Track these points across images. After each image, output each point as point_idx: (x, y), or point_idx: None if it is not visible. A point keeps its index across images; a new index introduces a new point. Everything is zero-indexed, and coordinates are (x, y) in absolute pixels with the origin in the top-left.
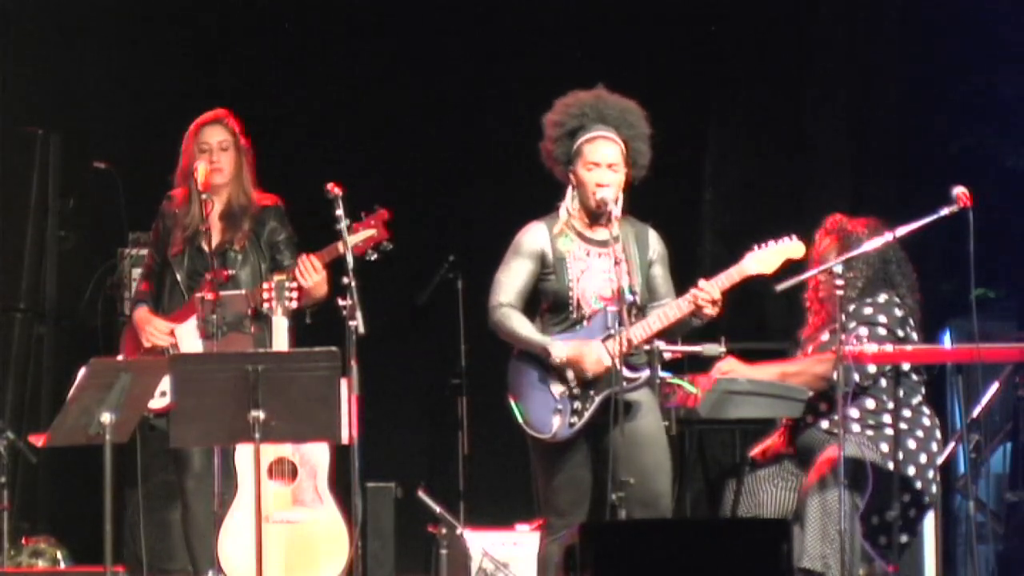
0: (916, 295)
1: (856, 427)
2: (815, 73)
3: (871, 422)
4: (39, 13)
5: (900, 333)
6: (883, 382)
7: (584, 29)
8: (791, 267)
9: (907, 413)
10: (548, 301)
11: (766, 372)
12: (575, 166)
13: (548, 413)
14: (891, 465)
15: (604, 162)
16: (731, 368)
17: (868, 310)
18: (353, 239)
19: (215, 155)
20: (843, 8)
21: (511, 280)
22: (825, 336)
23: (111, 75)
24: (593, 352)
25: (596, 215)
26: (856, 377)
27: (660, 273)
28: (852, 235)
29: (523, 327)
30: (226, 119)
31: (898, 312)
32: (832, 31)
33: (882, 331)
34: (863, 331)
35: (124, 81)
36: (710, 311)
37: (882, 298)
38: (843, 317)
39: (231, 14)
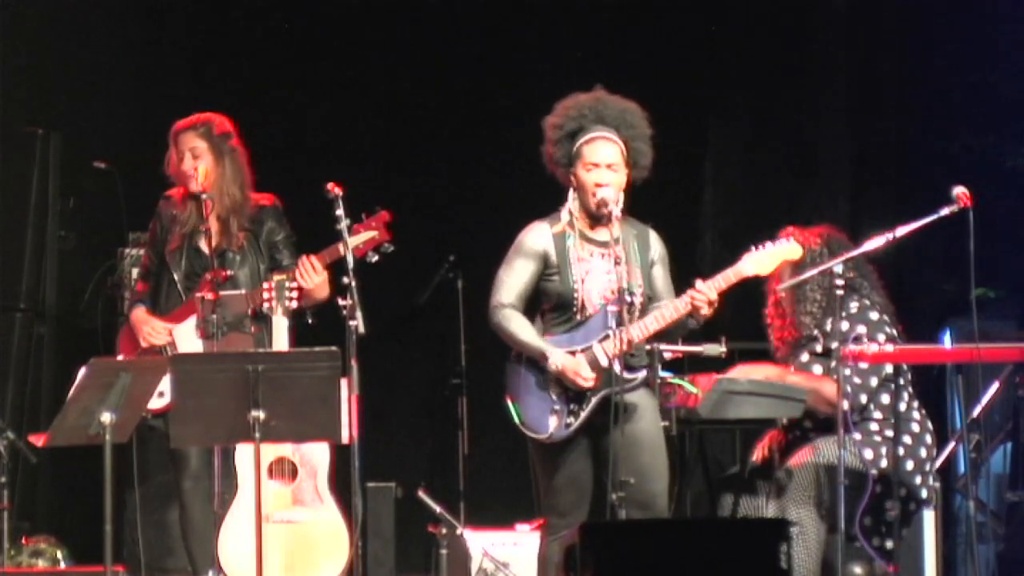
0: (883, 291)
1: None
2: (815, 74)
3: (859, 428)
4: (39, 13)
5: (881, 337)
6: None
7: (584, 29)
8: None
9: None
10: (551, 302)
11: (773, 374)
12: (575, 168)
13: (545, 414)
14: (874, 471)
15: (603, 162)
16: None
17: (845, 324)
18: (354, 240)
19: (187, 162)
20: (843, 8)
21: (512, 280)
22: (804, 357)
23: (111, 75)
24: (584, 368)
25: (596, 216)
26: (863, 399)
27: (661, 274)
28: (811, 248)
29: (523, 331)
30: (203, 124)
31: (873, 316)
32: (832, 31)
33: (866, 341)
34: (852, 348)
35: (124, 81)
36: (706, 311)
37: (854, 307)
38: (840, 324)
39: (231, 13)
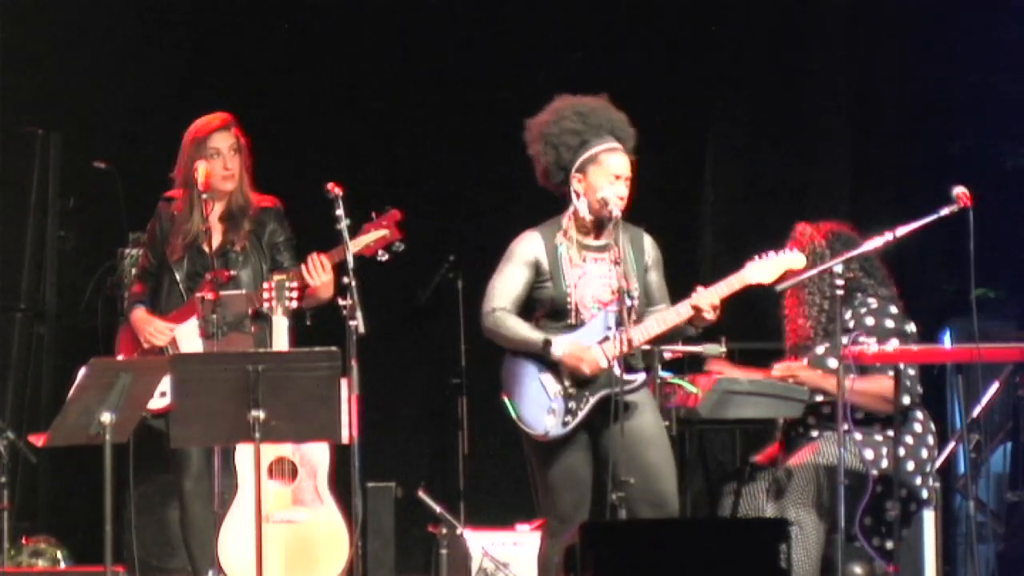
0: (893, 288)
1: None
2: (815, 73)
3: (859, 429)
4: (39, 13)
5: (908, 330)
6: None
7: (584, 29)
8: None
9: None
10: (545, 308)
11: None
12: (586, 172)
13: (542, 411)
14: (875, 471)
15: (623, 174)
16: (787, 370)
17: (870, 320)
18: (365, 239)
19: (229, 161)
20: (843, 8)
21: (504, 287)
22: (820, 349)
23: (111, 75)
24: (591, 354)
25: (597, 220)
26: (906, 400)
27: (655, 279)
28: (816, 249)
29: (520, 327)
30: (231, 122)
31: (893, 309)
32: (832, 31)
33: (895, 339)
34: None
35: (124, 81)
36: (709, 316)
37: (873, 303)
38: (865, 319)
39: (231, 14)
